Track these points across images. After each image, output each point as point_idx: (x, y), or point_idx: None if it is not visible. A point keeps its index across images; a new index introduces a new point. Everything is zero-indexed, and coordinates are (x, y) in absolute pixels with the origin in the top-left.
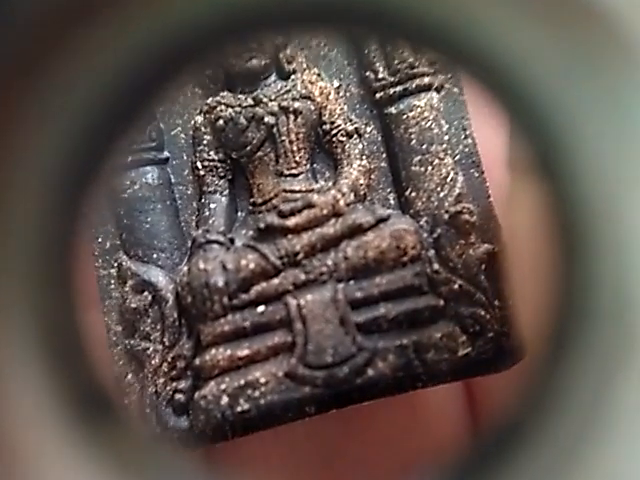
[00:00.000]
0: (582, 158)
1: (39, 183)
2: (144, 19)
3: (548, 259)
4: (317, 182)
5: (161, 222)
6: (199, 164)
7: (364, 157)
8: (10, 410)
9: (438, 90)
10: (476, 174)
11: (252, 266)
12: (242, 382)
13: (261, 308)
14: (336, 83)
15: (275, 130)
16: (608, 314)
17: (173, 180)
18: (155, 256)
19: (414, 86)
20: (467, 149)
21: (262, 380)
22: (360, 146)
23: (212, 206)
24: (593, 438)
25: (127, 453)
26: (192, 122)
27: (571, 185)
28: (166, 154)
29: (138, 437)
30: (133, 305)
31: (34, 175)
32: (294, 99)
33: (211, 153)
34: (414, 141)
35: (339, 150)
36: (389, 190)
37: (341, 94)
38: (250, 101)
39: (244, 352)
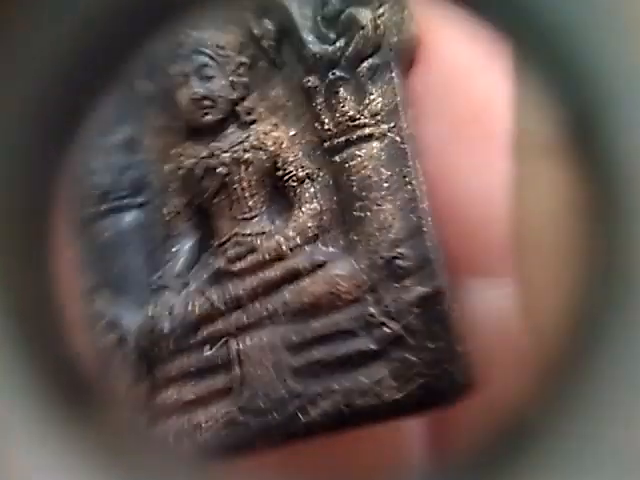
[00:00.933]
0: (619, 120)
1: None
2: None
3: (577, 239)
4: (274, 223)
5: (133, 265)
6: (165, 210)
7: (314, 200)
8: None
9: (379, 140)
10: (414, 219)
11: (197, 311)
12: (186, 425)
13: (207, 352)
14: (292, 131)
15: (227, 179)
16: None
17: (147, 224)
18: (124, 298)
19: (355, 137)
20: (407, 195)
21: (205, 424)
22: (312, 190)
23: (173, 250)
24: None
25: (105, 436)
26: (162, 170)
27: (606, 152)
28: (141, 199)
29: (118, 421)
30: (101, 347)
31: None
32: (245, 150)
33: (175, 199)
34: (355, 188)
35: (291, 194)
36: (339, 231)
37: (297, 141)
38: (205, 153)
39: (189, 396)
